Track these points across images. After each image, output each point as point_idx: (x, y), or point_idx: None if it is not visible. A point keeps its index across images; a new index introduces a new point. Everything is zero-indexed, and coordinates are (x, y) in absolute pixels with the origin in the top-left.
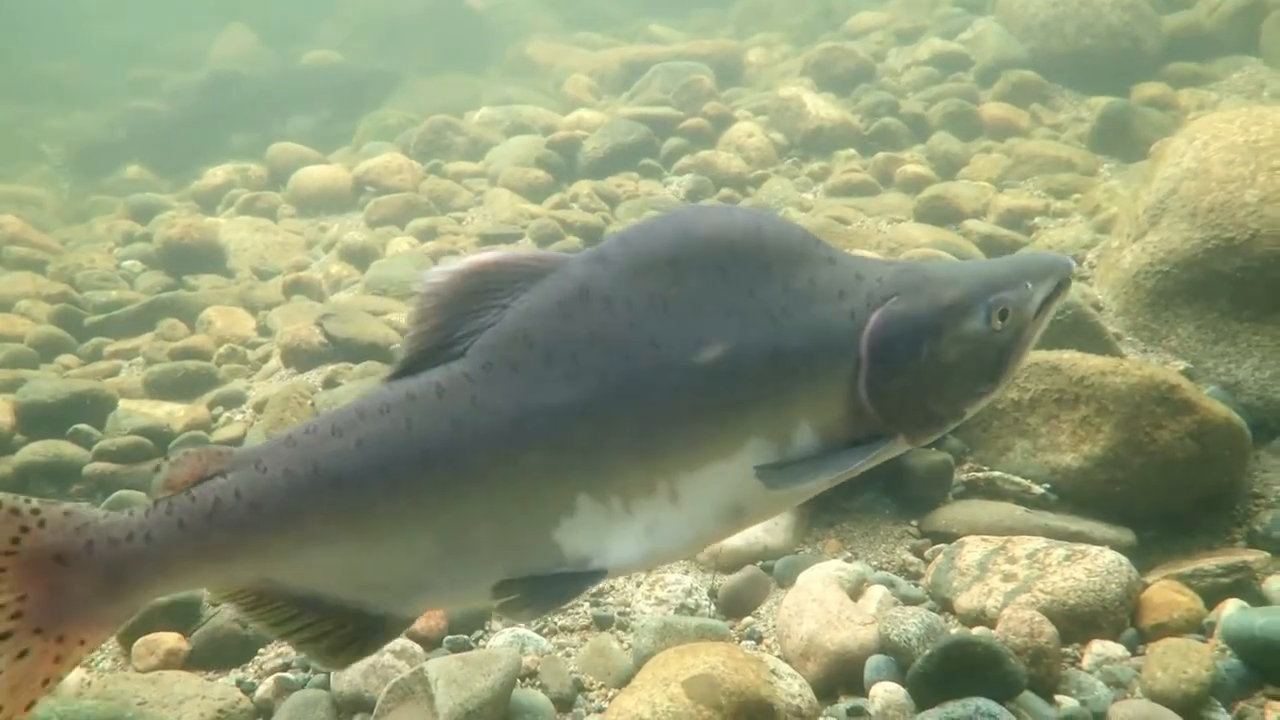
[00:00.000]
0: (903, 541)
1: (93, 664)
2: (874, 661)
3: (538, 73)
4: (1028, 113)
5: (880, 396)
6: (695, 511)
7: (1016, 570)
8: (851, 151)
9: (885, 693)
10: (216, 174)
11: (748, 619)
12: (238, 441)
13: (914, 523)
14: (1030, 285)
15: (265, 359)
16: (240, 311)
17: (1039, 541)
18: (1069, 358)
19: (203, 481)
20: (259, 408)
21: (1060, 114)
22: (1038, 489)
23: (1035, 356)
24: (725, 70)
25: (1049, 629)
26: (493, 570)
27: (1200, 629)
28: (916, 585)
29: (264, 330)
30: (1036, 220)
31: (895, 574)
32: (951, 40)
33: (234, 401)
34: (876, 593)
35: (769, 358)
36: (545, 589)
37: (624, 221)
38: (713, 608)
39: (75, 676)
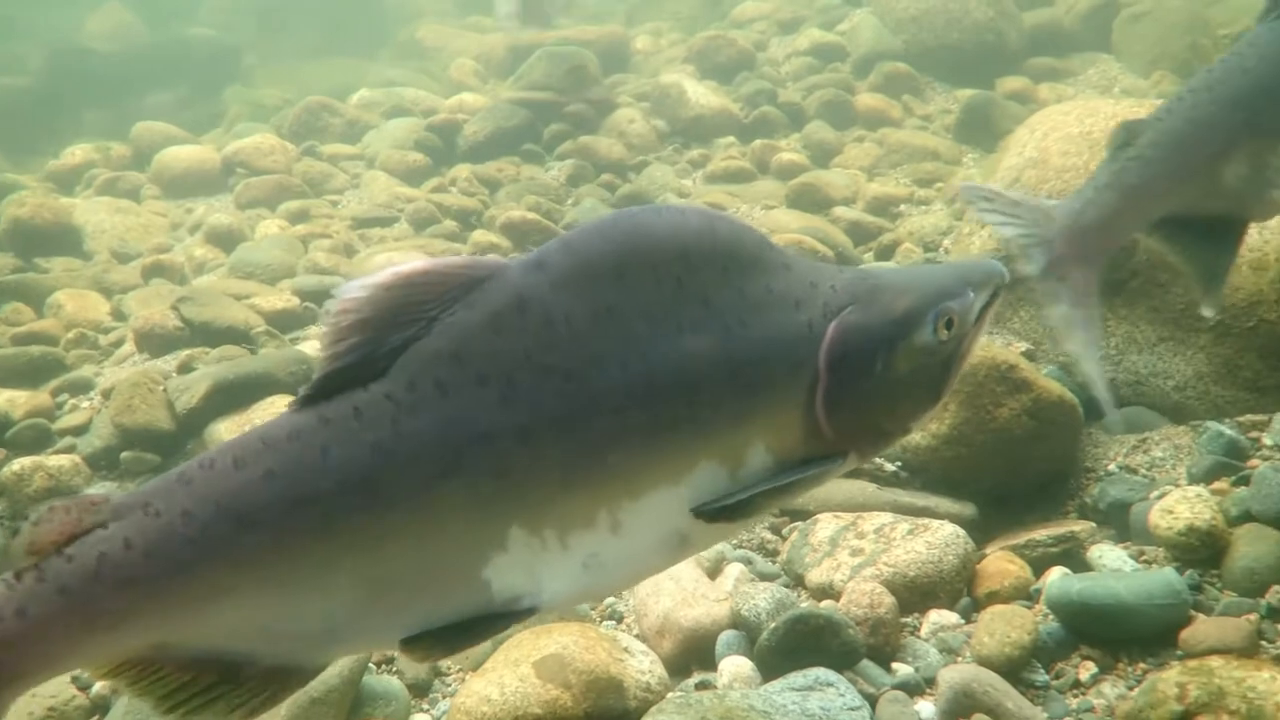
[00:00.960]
0: (762, 520)
1: None
2: (725, 637)
3: (428, 56)
4: (900, 103)
5: (836, 413)
6: (638, 542)
7: (864, 545)
8: (731, 139)
9: (733, 666)
10: (75, 153)
11: (609, 599)
12: (83, 429)
13: None
14: (972, 293)
15: (118, 344)
16: (94, 295)
17: (886, 517)
18: None
19: (77, 538)
20: (107, 394)
21: (930, 105)
22: (890, 466)
23: None
24: (612, 57)
25: (888, 600)
26: (414, 612)
27: (1028, 596)
28: (773, 562)
29: (119, 315)
30: (901, 207)
31: (754, 552)
32: (830, 31)
33: (81, 388)
34: (734, 570)
35: (725, 374)
36: (462, 631)
37: (503, 206)
38: None
39: None
